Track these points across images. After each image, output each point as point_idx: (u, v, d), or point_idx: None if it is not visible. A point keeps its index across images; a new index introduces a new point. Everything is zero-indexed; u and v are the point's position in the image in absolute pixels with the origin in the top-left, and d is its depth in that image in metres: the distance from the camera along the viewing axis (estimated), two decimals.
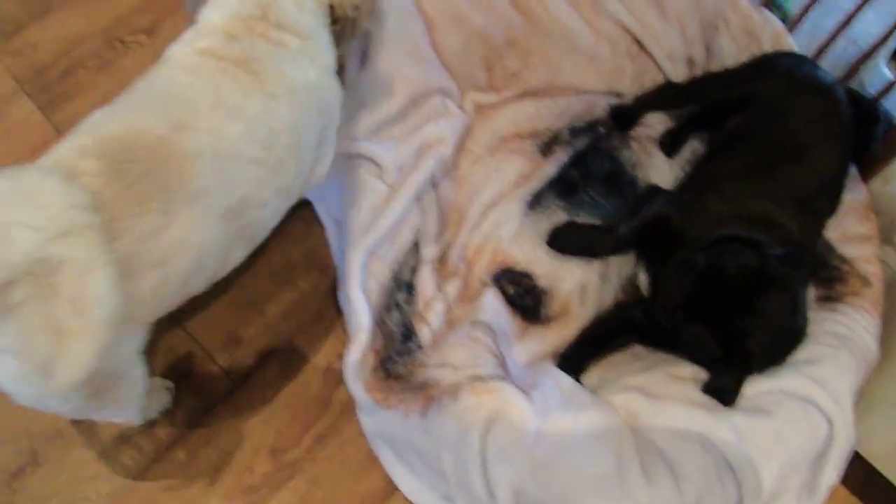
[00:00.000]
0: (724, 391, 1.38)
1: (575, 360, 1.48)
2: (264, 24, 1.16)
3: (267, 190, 1.13)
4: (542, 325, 1.52)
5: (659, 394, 1.40)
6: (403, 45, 1.50)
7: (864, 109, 1.67)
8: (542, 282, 1.54)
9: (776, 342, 1.41)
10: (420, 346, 1.40)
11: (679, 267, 1.39)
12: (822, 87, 1.61)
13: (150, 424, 1.45)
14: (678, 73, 1.78)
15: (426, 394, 1.31)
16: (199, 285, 1.12)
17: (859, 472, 1.56)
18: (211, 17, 1.18)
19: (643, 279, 1.53)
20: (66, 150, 0.98)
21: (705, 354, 1.40)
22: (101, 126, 1.02)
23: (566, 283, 1.54)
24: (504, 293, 1.51)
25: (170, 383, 1.46)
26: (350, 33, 1.34)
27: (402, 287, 1.46)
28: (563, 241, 1.59)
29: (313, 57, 1.21)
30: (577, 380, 1.43)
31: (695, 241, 1.41)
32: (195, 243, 1.03)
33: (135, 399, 1.20)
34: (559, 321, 1.52)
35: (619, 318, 1.56)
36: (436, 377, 1.34)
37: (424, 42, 1.53)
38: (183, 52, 1.16)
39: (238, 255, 1.18)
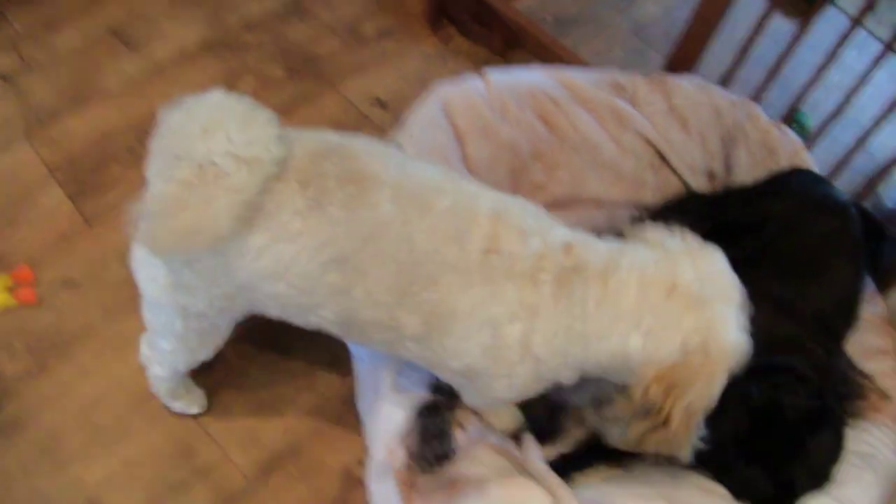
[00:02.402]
0: None
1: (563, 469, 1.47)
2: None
3: (384, 296, 1.12)
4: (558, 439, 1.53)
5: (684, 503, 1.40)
6: (435, 156, 1.54)
7: (874, 226, 1.70)
8: (556, 398, 1.54)
9: (820, 480, 1.42)
10: (454, 450, 1.41)
11: (733, 399, 1.38)
12: (835, 205, 1.66)
13: None
14: (699, 186, 1.85)
15: (452, 488, 1.33)
16: (284, 295, 1.14)
17: None
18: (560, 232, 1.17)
19: None
20: (317, 132, 1.14)
21: (752, 495, 1.40)
22: (352, 140, 1.15)
23: (577, 395, 1.55)
24: None
25: (204, 402, 1.58)
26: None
27: (442, 389, 1.47)
28: None
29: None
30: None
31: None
32: (299, 246, 1.08)
33: (189, 345, 1.32)
34: (571, 433, 1.54)
35: None
36: (465, 472, 1.36)
37: (455, 155, 1.58)
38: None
39: (326, 316, 1.17)
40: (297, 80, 2.13)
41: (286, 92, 2.10)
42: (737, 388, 1.36)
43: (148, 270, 1.17)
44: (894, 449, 1.54)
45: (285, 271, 1.10)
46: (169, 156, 1.02)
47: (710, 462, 1.43)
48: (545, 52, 2.17)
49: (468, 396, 1.36)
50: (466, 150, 1.62)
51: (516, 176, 1.69)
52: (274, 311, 1.20)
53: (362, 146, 1.14)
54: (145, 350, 1.41)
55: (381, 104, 2.12)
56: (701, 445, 1.20)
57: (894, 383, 1.64)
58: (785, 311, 1.52)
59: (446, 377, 1.29)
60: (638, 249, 1.14)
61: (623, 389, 1.13)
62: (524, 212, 1.17)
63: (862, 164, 1.96)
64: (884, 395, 1.61)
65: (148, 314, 1.26)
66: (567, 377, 1.18)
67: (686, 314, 1.07)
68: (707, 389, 1.09)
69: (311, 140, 1.11)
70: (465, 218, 1.12)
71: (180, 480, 1.52)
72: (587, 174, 1.76)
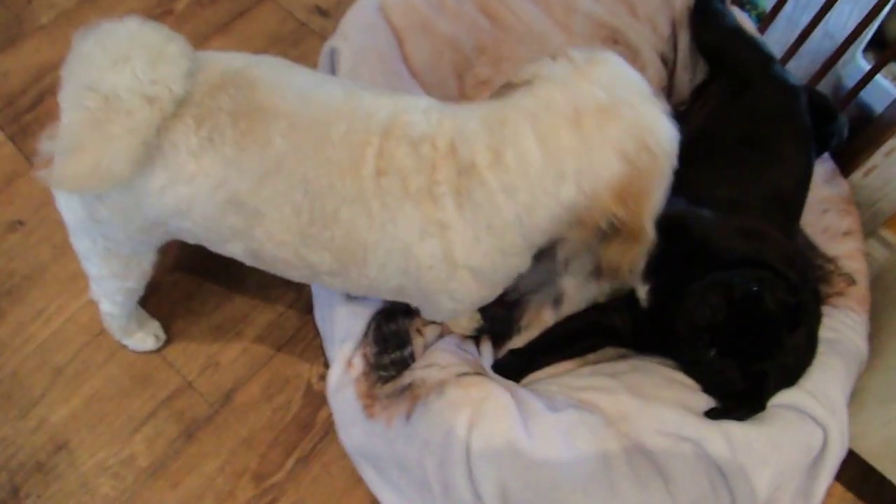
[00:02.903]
0: (736, 419, 1.38)
1: (516, 365, 1.48)
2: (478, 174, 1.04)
3: (285, 236, 1.09)
4: (515, 335, 1.52)
5: (650, 395, 1.40)
6: (372, 59, 1.49)
7: (824, 108, 1.68)
8: (511, 296, 1.52)
9: (791, 377, 1.42)
10: (412, 355, 1.40)
11: (717, 288, 1.35)
12: (785, 86, 1.62)
13: (131, 454, 1.44)
14: (655, 67, 1.77)
15: (412, 394, 1.33)
16: (193, 231, 1.12)
17: (854, 468, 1.58)
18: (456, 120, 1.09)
19: (643, 291, 1.49)
20: (224, 56, 1.09)
21: (723, 387, 1.40)
22: (258, 64, 1.09)
23: (538, 294, 1.53)
24: None
25: (161, 334, 1.55)
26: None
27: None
28: None
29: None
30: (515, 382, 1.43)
31: (714, 259, 1.40)
32: (195, 188, 1.05)
33: (123, 284, 1.32)
34: (531, 329, 1.53)
35: (592, 321, 1.54)
36: (422, 376, 1.35)
37: (394, 55, 1.53)
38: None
39: (237, 251, 1.15)
40: None
41: (222, 7, 2.04)
42: (719, 277, 1.35)
43: (66, 200, 1.15)
44: (860, 333, 1.53)
45: (188, 211, 1.07)
46: (79, 85, 0.99)
47: (682, 350, 1.42)
48: None
49: (424, 312, 1.34)
50: (405, 50, 1.57)
51: (460, 73, 1.65)
52: (191, 241, 1.18)
53: (264, 72, 1.08)
54: (94, 286, 1.38)
55: (321, 12, 2.07)
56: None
57: (859, 266, 1.63)
58: (741, 200, 1.50)
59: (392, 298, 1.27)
60: (523, 99, 1.05)
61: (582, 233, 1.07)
62: (416, 116, 1.09)
63: (820, 45, 1.92)
64: (850, 280, 1.59)
65: (73, 239, 1.24)
66: (520, 264, 1.15)
67: (606, 128, 1.00)
68: (662, 186, 1.05)
69: (215, 69, 1.06)
70: (359, 142, 1.06)
71: (145, 412, 1.51)
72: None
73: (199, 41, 1.94)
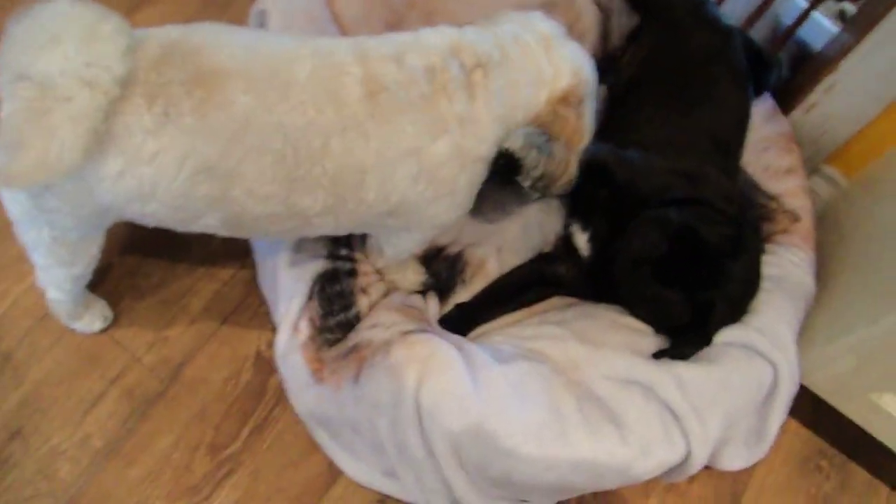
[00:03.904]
0: (680, 358, 1.40)
1: (463, 319, 1.49)
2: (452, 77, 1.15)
3: (269, 188, 1.09)
4: (459, 288, 1.53)
5: (599, 341, 1.42)
6: (301, 19, 1.47)
7: (759, 56, 1.69)
8: (453, 249, 1.52)
9: (738, 308, 1.44)
10: (358, 316, 1.39)
11: (653, 223, 1.38)
12: (717, 25, 1.63)
13: (85, 436, 1.44)
14: (591, 13, 1.77)
15: (359, 356, 1.33)
16: (158, 213, 1.11)
17: (807, 404, 1.60)
18: (429, 37, 1.19)
19: (582, 239, 1.51)
20: (159, 30, 1.06)
21: (669, 320, 1.42)
22: (195, 32, 1.07)
23: (480, 247, 1.53)
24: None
25: (109, 313, 1.53)
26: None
27: (341, 258, 1.44)
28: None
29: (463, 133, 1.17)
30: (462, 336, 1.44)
31: (646, 200, 1.42)
32: (158, 167, 1.03)
33: (70, 270, 1.29)
34: (475, 282, 1.53)
35: (537, 271, 1.55)
36: (368, 337, 1.36)
37: (324, 14, 1.52)
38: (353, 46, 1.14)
39: (212, 224, 1.14)
40: None
41: None
42: (655, 213, 1.35)
43: (9, 192, 1.12)
44: (806, 269, 1.55)
45: (152, 192, 1.05)
46: (12, 74, 0.96)
47: (626, 285, 1.43)
48: None
49: (392, 246, 1.36)
50: (335, 8, 1.55)
51: (392, 28, 1.62)
52: (151, 224, 1.16)
53: (205, 37, 1.07)
54: (41, 274, 1.36)
55: None
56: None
57: (803, 202, 1.65)
58: (685, 137, 1.50)
59: (374, 231, 1.32)
60: (501, 26, 1.24)
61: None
62: (382, 41, 1.16)
63: None
64: (794, 216, 1.61)
65: (18, 230, 1.21)
66: (482, 174, 1.25)
67: (559, 51, 1.22)
68: (593, 98, 1.29)
69: (152, 44, 1.03)
70: (332, 76, 1.09)
71: (96, 393, 1.49)
72: (468, 12, 1.68)
73: (129, 11, 1.90)
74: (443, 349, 1.29)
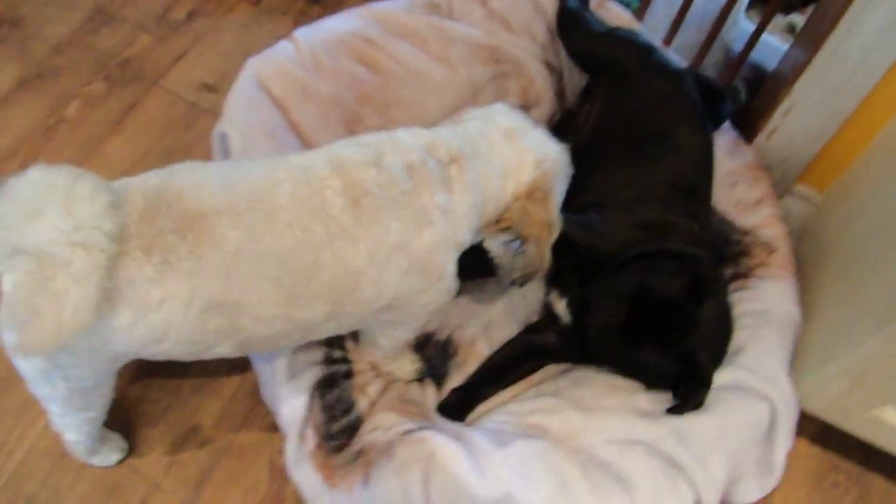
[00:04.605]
0: (696, 407, 1.41)
1: (460, 403, 1.51)
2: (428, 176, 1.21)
3: (272, 311, 1.13)
4: (453, 372, 1.56)
5: (594, 406, 1.43)
6: (260, 137, 1.51)
7: (713, 90, 1.71)
8: (442, 335, 1.55)
9: (719, 347, 1.46)
10: (360, 418, 1.43)
11: (607, 293, 1.41)
12: (667, 72, 1.65)
13: None
14: (543, 76, 1.80)
15: (365, 460, 1.36)
16: (171, 351, 1.14)
17: (812, 423, 1.62)
18: (405, 137, 1.26)
19: (561, 306, 1.54)
20: (137, 180, 1.10)
21: (658, 377, 1.44)
22: (173, 176, 1.11)
23: (468, 328, 1.56)
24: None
25: (124, 445, 1.55)
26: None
27: (336, 361, 1.48)
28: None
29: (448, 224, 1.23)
30: (461, 422, 1.48)
31: (610, 261, 1.45)
32: (167, 312, 1.06)
33: (87, 415, 1.32)
34: (468, 364, 1.56)
35: (526, 343, 1.57)
36: (370, 441, 1.38)
37: (281, 127, 1.55)
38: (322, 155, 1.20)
39: (223, 351, 1.18)
40: (119, 89, 2.08)
41: (112, 104, 2.05)
42: (607, 283, 1.38)
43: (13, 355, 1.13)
44: (788, 297, 1.57)
45: (165, 335, 1.08)
46: (5, 249, 0.97)
47: (604, 355, 1.46)
48: None
49: (389, 337, 1.39)
50: (292, 119, 1.59)
51: (351, 127, 1.66)
52: (163, 359, 1.19)
53: (183, 180, 1.11)
54: (57, 420, 1.39)
55: (209, 88, 2.09)
56: None
57: (777, 230, 1.66)
58: (645, 188, 1.52)
59: (371, 326, 1.35)
60: (464, 123, 1.33)
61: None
62: (358, 148, 1.21)
63: (704, 10, 1.94)
64: (769, 248, 1.62)
65: (31, 387, 1.23)
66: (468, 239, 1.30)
67: (521, 144, 1.29)
68: (561, 185, 1.36)
69: (138, 196, 1.07)
70: (312, 192, 1.13)
71: None
72: (425, 100, 1.74)
73: (96, 144, 1.95)
74: (443, 444, 1.32)
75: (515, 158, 1.28)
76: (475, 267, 1.35)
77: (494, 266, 1.36)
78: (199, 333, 1.10)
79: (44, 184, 0.98)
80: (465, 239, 1.26)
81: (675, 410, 1.41)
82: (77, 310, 0.96)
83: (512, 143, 1.29)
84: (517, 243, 1.30)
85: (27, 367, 1.15)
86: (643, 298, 1.37)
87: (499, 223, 1.32)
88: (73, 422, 1.35)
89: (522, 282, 1.36)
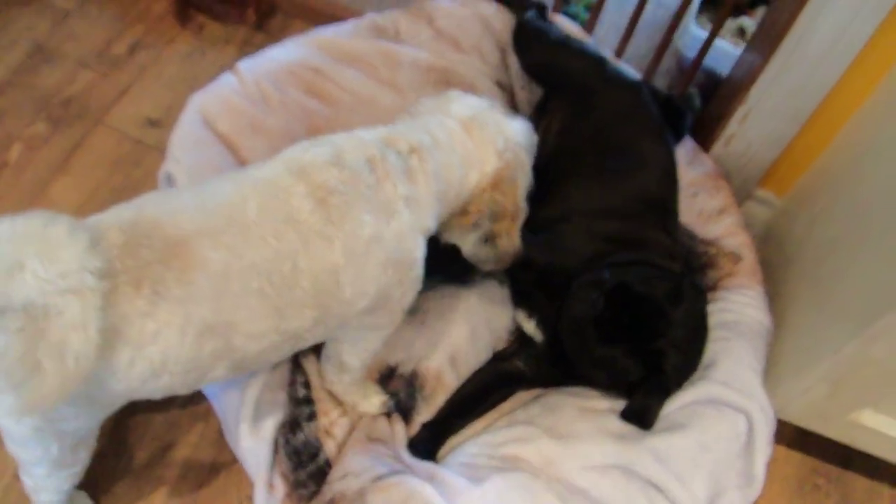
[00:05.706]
0: (645, 413, 1.40)
1: (431, 438, 1.48)
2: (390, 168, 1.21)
3: (262, 324, 1.11)
4: (421, 407, 1.52)
5: (567, 433, 1.42)
6: (208, 175, 1.46)
7: (669, 105, 1.70)
8: (406, 368, 1.52)
9: (690, 357, 1.45)
10: (328, 462, 1.39)
11: (588, 285, 1.40)
12: (623, 84, 1.63)
13: None
14: (493, 94, 1.80)
15: None
16: (170, 384, 1.11)
17: (790, 429, 1.61)
18: (362, 134, 1.26)
19: (530, 326, 1.53)
20: (108, 216, 1.06)
21: (623, 377, 1.42)
22: (144, 206, 1.09)
23: (432, 359, 1.53)
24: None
25: (90, 502, 1.49)
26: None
27: (300, 403, 1.44)
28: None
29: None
30: (433, 459, 1.44)
31: (575, 272, 1.44)
32: (163, 342, 1.03)
33: (71, 471, 1.27)
34: (436, 396, 1.52)
35: (495, 371, 1.55)
36: (341, 489, 1.35)
37: (229, 164, 1.52)
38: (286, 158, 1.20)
39: (219, 375, 1.15)
40: (62, 129, 2.02)
41: (55, 146, 1.99)
42: (589, 276, 1.37)
43: (11, 420, 1.10)
44: (758, 306, 1.56)
45: (163, 367, 1.06)
46: None
47: (574, 350, 1.44)
48: (302, 9, 2.11)
49: (359, 350, 1.38)
50: (241, 155, 1.56)
51: None
52: (158, 397, 1.15)
53: (156, 209, 1.08)
54: (27, 481, 1.34)
55: (153, 123, 2.05)
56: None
57: (741, 239, 1.66)
58: (608, 208, 1.51)
59: (349, 334, 1.34)
60: (420, 118, 1.33)
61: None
62: (317, 151, 1.20)
63: (654, 16, 1.92)
64: (735, 258, 1.61)
65: (17, 450, 1.19)
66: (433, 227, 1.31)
67: (481, 133, 1.31)
68: (526, 172, 1.38)
69: (115, 231, 1.03)
70: (280, 202, 1.12)
71: None
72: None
73: (41, 187, 1.90)
74: (417, 489, 1.29)
75: (476, 150, 1.31)
76: (451, 267, 1.39)
77: (468, 262, 1.39)
78: (196, 360, 1.08)
79: (17, 234, 0.93)
80: (431, 225, 1.27)
81: (625, 413, 1.40)
82: (79, 357, 0.92)
83: (471, 134, 1.31)
84: (484, 239, 1.34)
85: (19, 429, 1.10)
86: (623, 293, 1.36)
87: (467, 216, 1.35)
88: (54, 482, 1.29)
89: (499, 267, 1.39)
